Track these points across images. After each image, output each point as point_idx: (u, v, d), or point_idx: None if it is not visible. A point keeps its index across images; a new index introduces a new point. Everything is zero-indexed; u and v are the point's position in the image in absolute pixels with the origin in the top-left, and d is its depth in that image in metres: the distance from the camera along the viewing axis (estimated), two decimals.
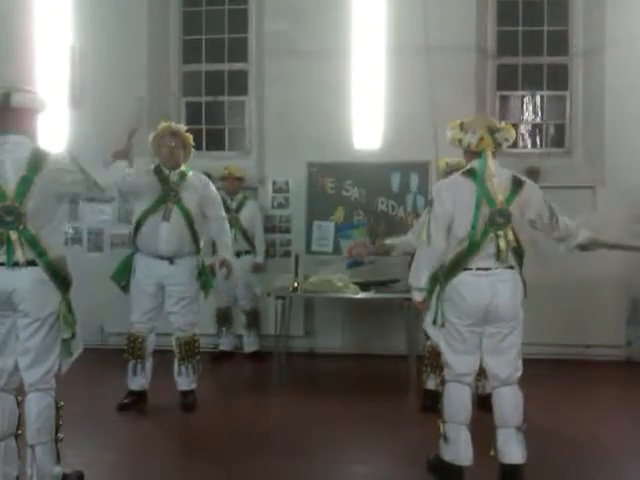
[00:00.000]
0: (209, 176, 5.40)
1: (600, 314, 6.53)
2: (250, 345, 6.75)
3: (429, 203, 3.68)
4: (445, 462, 3.58)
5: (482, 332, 3.54)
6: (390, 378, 5.84)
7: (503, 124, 3.66)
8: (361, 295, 5.72)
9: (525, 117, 7.39)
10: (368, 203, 6.89)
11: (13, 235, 3.17)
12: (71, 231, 7.13)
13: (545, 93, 7.30)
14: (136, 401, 4.95)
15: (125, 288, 4.96)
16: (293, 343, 6.66)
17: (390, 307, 5.91)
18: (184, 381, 4.99)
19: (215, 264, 5.66)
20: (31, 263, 3.21)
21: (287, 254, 7.01)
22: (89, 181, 3.41)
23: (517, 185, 3.57)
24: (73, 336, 3.36)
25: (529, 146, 7.36)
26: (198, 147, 7.37)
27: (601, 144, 6.82)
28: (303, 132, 6.87)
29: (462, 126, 3.59)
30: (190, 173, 4.98)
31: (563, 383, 5.79)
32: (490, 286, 3.47)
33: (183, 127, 5.09)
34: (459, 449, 3.53)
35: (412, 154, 6.68)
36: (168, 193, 4.83)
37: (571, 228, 3.80)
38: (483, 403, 4.05)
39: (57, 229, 3.37)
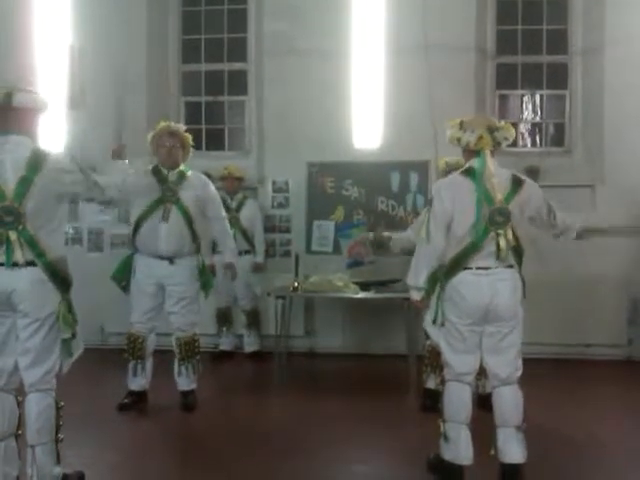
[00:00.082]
0: (209, 176, 5.40)
1: (600, 313, 6.52)
2: (250, 345, 6.75)
3: (428, 202, 3.68)
4: (445, 461, 3.58)
5: (482, 331, 3.55)
6: (390, 378, 5.84)
7: (502, 123, 3.66)
8: (361, 295, 5.71)
9: (524, 116, 7.39)
10: (368, 203, 6.90)
11: (12, 235, 3.17)
12: (71, 231, 7.13)
13: (544, 92, 7.30)
14: (136, 401, 4.95)
15: (125, 288, 4.96)
16: (293, 343, 6.66)
17: (390, 307, 5.91)
18: (184, 381, 4.99)
19: (215, 264, 5.69)
20: (30, 263, 3.21)
21: (287, 254, 7.01)
22: (89, 181, 3.41)
23: (517, 184, 3.57)
24: (73, 336, 3.35)
25: (529, 145, 7.37)
26: (198, 147, 7.37)
27: (600, 143, 6.82)
28: (303, 132, 6.87)
29: (461, 125, 3.60)
30: (189, 173, 4.98)
31: (563, 382, 5.79)
32: (490, 285, 3.48)
33: (182, 127, 5.09)
34: (459, 448, 3.53)
35: (412, 153, 6.69)
36: (166, 193, 4.83)
37: (568, 223, 3.82)
38: (483, 402, 4.05)
39: (57, 229, 3.37)
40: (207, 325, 6.27)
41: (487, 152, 3.54)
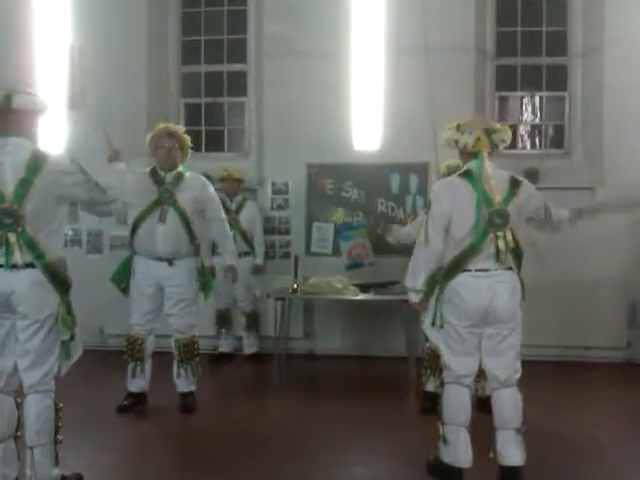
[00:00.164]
0: (208, 177, 5.39)
1: (600, 316, 6.52)
2: (250, 347, 6.75)
3: (427, 204, 3.68)
4: (444, 464, 3.58)
5: (481, 333, 3.55)
6: (390, 380, 5.84)
7: (499, 125, 3.68)
8: (361, 297, 5.72)
9: (524, 118, 7.39)
10: (367, 204, 6.90)
11: (12, 237, 3.17)
12: (71, 233, 7.12)
13: (544, 94, 7.30)
14: (135, 403, 4.94)
15: (125, 290, 4.96)
16: (293, 345, 6.65)
17: (390, 309, 5.91)
18: (183, 383, 4.98)
19: (215, 266, 5.67)
20: (30, 265, 3.21)
21: (287, 255, 7.00)
22: (90, 182, 3.40)
23: (515, 186, 3.58)
24: (72, 338, 3.35)
25: (528, 147, 7.37)
26: (197, 148, 7.39)
27: (600, 144, 6.82)
28: (302, 133, 6.87)
29: (458, 127, 3.61)
30: (187, 174, 4.97)
31: (563, 385, 5.79)
32: (489, 287, 3.48)
33: (181, 128, 5.08)
34: (458, 451, 3.53)
35: (411, 155, 6.69)
36: (163, 195, 4.82)
37: (561, 215, 3.86)
38: (483, 405, 4.05)
39: (57, 231, 3.36)
40: (206, 327, 6.26)
41: (484, 154, 3.55)
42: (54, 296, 3.28)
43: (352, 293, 5.71)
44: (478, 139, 3.55)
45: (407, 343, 5.59)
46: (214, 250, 6.10)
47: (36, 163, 3.22)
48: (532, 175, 6.69)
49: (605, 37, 6.71)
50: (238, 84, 7.63)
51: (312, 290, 5.75)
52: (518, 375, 3.57)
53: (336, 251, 6.83)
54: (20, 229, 3.18)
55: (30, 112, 3.32)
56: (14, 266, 3.17)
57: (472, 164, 3.57)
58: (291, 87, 7.00)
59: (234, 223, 6.29)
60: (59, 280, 3.28)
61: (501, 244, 3.47)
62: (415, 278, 3.62)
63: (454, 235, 3.52)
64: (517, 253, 3.57)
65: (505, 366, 3.53)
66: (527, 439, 3.52)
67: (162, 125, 5.00)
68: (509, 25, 7.24)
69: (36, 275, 3.22)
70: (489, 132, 3.58)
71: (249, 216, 6.68)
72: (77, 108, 7.10)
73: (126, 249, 5.13)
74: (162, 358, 5.07)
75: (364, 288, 5.80)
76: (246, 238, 6.62)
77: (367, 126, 6.93)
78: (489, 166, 3.54)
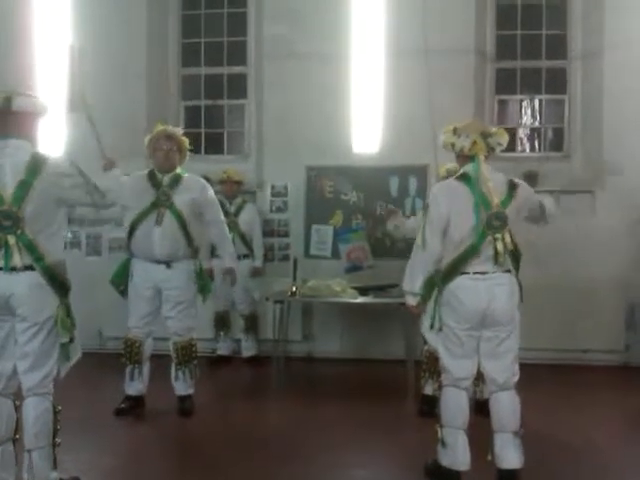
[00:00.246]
0: (208, 180, 5.38)
1: (598, 319, 6.51)
2: (248, 349, 6.74)
3: (425, 207, 3.69)
4: (443, 467, 3.59)
5: (479, 336, 3.56)
6: (388, 383, 5.83)
7: (496, 129, 3.69)
8: (359, 300, 5.72)
9: (523, 121, 7.39)
10: (367, 207, 6.90)
11: (11, 240, 3.17)
12: (70, 235, 7.12)
13: (543, 97, 7.30)
14: (133, 406, 4.93)
15: (124, 293, 4.96)
16: (291, 347, 6.64)
17: (388, 312, 5.91)
18: (181, 386, 4.98)
19: (214, 268, 5.67)
20: (29, 267, 3.21)
21: (285, 258, 6.98)
22: (89, 185, 3.39)
23: (512, 189, 3.60)
24: (71, 341, 3.35)
25: (527, 150, 7.37)
26: (197, 151, 7.41)
27: (600, 148, 6.82)
28: (302, 136, 6.87)
29: (455, 130, 3.62)
30: (186, 175, 4.95)
31: (560, 388, 5.78)
32: (487, 290, 3.49)
33: (179, 130, 5.07)
34: (457, 454, 3.53)
35: (411, 158, 6.69)
36: (160, 197, 4.81)
37: (551, 209, 3.87)
38: (481, 408, 4.05)
39: (57, 233, 3.36)
40: (205, 329, 6.25)
41: (481, 158, 3.56)
42: (53, 299, 3.28)
43: (351, 296, 5.71)
44: (474, 142, 3.56)
45: (406, 346, 5.59)
46: (213, 253, 6.09)
47: (35, 165, 3.22)
48: (531, 178, 6.70)
49: (605, 41, 6.72)
50: (238, 86, 7.63)
51: (311, 293, 5.75)
52: (516, 378, 3.58)
53: (335, 254, 6.82)
54: (19, 231, 3.18)
55: (30, 114, 3.33)
56: (13, 269, 3.17)
57: (469, 167, 3.58)
58: (291, 89, 7.00)
59: (233, 225, 6.28)
60: (58, 283, 3.29)
61: (499, 246, 3.48)
62: (413, 281, 3.63)
63: (452, 238, 3.53)
64: (515, 255, 3.58)
65: (503, 369, 3.54)
66: (525, 442, 3.52)
67: (160, 127, 4.99)
68: (509, 28, 7.24)
69: (35, 278, 3.22)
70: (485, 135, 3.59)
71: (248, 218, 6.67)
72: (77, 110, 7.13)
73: (124, 251, 5.12)
74: (160, 361, 5.06)
75: (363, 291, 5.80)
76: (245, 241, 6.61)
77: (366, 129, 6.93)
78: (486, 169, 3.55)
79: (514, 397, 3.56)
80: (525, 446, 3.52)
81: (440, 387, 3.72)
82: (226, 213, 6.08)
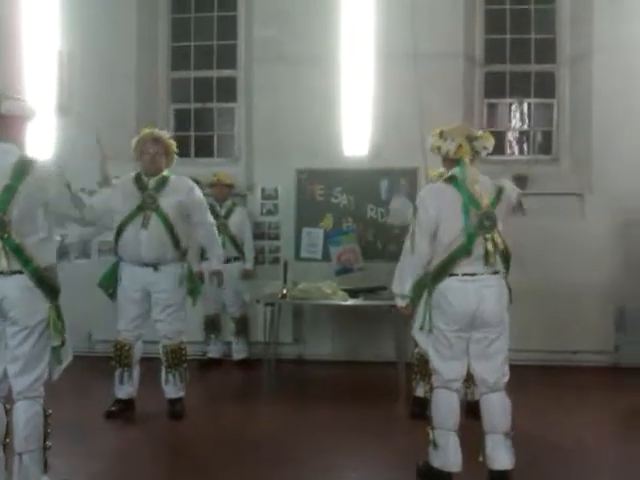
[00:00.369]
0: (198, 183, 5.37)
1: (587, 320, 6.55)
2: (239, 352, 6.73)
3: (413, 211, 3.70)
4: (434, 468, 3.59)
5: (469, 338, 3.57)
6: (379, 385, 5.84)
7: (482, 132, 3.71)
8: (350, 302, 5.72)
9: (512, 124, 7.43)
10: (357, 210, 6.92)
11: None
12: (59, 238, 7.06)
13: (532, 100, 7.34)
14: (124, 409, 4.91)
15: (112, 296, 4.94)
16: (282, 350, 6.62)
17: (379, 314, 5.91)
18: (171, 389, 4.96)
19: (204, 271, 5.65)
20: (19, 271, 3.19)
21: (276, 261, 6.99)
22: (74, 197, 3.38)
23: (499, 191, 3.63)
24: (62, 344, 3.34)
25: (516, 153, 7.40)
26: (186, 154, 7.41)
27: (588, 151, 6.86)
28: (292, 139, 6.87)
29: (441, 134, 3.65)
30: (172, 177, 4.93)
31: (551, 389, 5.80)
32: (476, 292, 3.50)
33: (166, 134, 5.04)
34: (448, 455, 3.54)
35: (401, 161, 6.72)
36: (146, 200, 4.80)
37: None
38: (472, 409, 4.06)
39: (48, 239, 3.33)
40: (195, 332, 6.24)
41: (467, 161, 3.58)
42: (44, 302, 3.26)
43: (341, 298, 5.72)
44: (460, 146, 3.59)
45: (396, 348, 5.60)
46: (203, 255, 6.08)
47: (21, 169, 3.21)
48: (520, 181, 6.73)
49: (594, 44, 6.76)
50: (228, 90, 7.62)
51: (301, 295, 5.75)
52: (506, 379, 3.59)
53: (326, 256, 6.84)
54: (6, 235, 3.16)
55: (18, 118, 3.31)
56: (1, 273, 3.15)
57: (456, 170, 3.61)
58: (281, 93, 7.00)
59: (223, 228, 6.29)
60: (47, 286, 3.27)
61: (490, 246, 3.50)
62: (402, 284, 3.66)
63: (442, 240, 3.55)
64: (505, 256, 3.61)
65: (493, 370, 3.55)
66: (516, 443, 3.53)
67: (147, 130, 4.97)
68: (498, 32, 7.28)
69: (25, 281, 3.20)
70: (471, 139, 3.62)
71: (238, 221, 6.67)
72: (65, 114, 7.13)
73: (113, 255, 5.10)
74: (150, 364, 5.05)
75: (353, 293, 5.81)
76: (235, 243, 6.61)
77: (356, 132, 6.95)
78: (472, 172, 3.57)
79: (504, 398, 3.57)
80: (516, 447, 3.53)
81: (431, 389, 3.73)
82: (216, 216, 6.09)
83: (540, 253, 6.41)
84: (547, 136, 7.33)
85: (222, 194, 6.67)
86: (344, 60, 6.92)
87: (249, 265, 6.72)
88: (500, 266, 3.58)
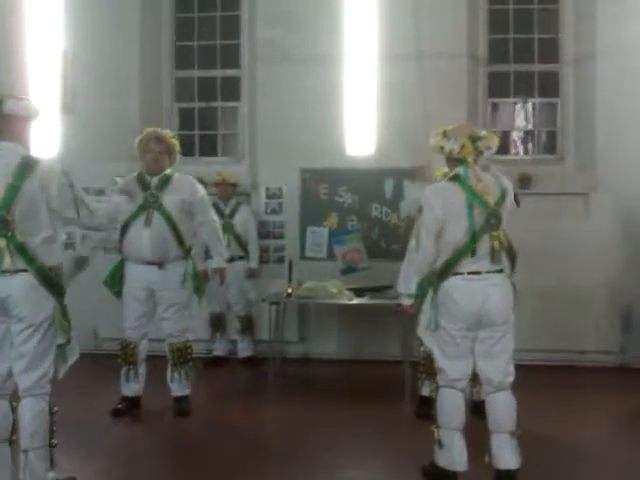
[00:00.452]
0: (202, 182, 5.37)
1: (594, 320, 6.53)
2: (244, 350, 6.73)
3: (418, 210, 3.69)
4: (440, 468, 3.59)
5: (475, 337, 3.56)
6: (385, 384, 5.83)
7: (485, 132, 3.70)
8: (355, 301, 5.73)
9: (516, 124, 7.42)
10: (361, 209, 6.92)
11: (1, 243, 3.16)
12: (64, 236, 7.07)
13: (536, 100, 7.34)
14: (130, 407, 4.92)
15: (119, 294, 4.95)
16: (287, 349, 6.65)
17: (384, 313, 5.90)
18: (177, 387, 4.96)
19: (208, 270, 5.67)
20: (23, 270, 3.19)
21: (281, 260, 6.99)
22: (77, 200, 3.36)
23: (504, 191, 3.63)
24: (68, 342, 3.34)
25: (521, 153, 7.40)
26: (190, 153, 7.43)
27: (593, 151, 6.85)
28: (296, 138, 6.87)
29: (445, 133, 3.64)
30: (176, 176, 4.92)
31: (557, 389, 5.78)
32: (481, 290, 3.50)
33: (169, 133, 5.03)
34: (453, 454, 3.54)
35: (405, 160, 6.71)
36: (149, 199, 4.80)
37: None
38: (478, 409, 4.06)
39: (53, 239, 3.33)
40: (201, 330, 6.25)
41: (470, 161, 3.58)
42: (49, 300, 3.27)
43: (347, 297, 5.72)
44: (463, 146, 3.57)
45: (402, 347, 5.60)
46: (208, 254, 6.08)
47: (25, 169, 3.21)
48: (525, 181, 6.74)
49: (597, 44, 6.75)
50: (231, 89, 7.63)
51: (307, 294, 5.75)
52: (511, 378, 3.58)
53: (330, 255, 6.84)
54: (10, 234, 3.17)
55: (22, 117, 3.32)
56: (6, 271, 3.16)
57: (459, 169, 3.60)
58: (284, 92, 7.00)
59: (228, 227, 6.30)
60: (52, 284, 3.27)
61: (496, 244, 3.50)
62: (407, 283, 3.66)
63: (448, 238, 3.54)
64: (511, 254, 3.61)
65: (498, 369, 3.55)
66: (522, 443, 3.52)
67: (150, 129, 4.96)
68: (501, 32, 7.28)
69: (30, 279, 3.21)
70: (474, 139, 3.60)
71: (243, 220, 6.66)
72: (69, 112, 7.15)
73: (119, 253, 5.10)
74: (156, 362, 5.05)
75: (359, 292, 5.81)
76: (240, 242, 6.61)
77: (361, 131, 6.95)
78: (476, 171, 3.57)
79: (510, 397, 3.56)
80: (522, 447, 3.52)
81: (437, 388, 3.73)
82: (221, 215, 6.10)
83: (545, 253, 6.41)
84: (551, 136, 7.33)
85: (227, 193, 6.67)
86: (348, 60, 6.92)
87: (254, 264, 6.72)
88: (505, 265, 3.58)
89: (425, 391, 4.84)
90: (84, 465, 3.90)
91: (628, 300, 6.59)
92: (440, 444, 3.57)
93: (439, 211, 3.53)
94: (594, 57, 6.79)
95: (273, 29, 7.05)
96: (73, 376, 3.50)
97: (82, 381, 4.85)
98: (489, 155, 3.72)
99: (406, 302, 3.71)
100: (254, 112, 7.31)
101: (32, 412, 3.23)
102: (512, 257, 3.61)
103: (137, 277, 4.85)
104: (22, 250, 3.18)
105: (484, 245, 3.50)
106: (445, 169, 4.80)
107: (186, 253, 4.93)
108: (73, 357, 3.40)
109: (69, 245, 7.08)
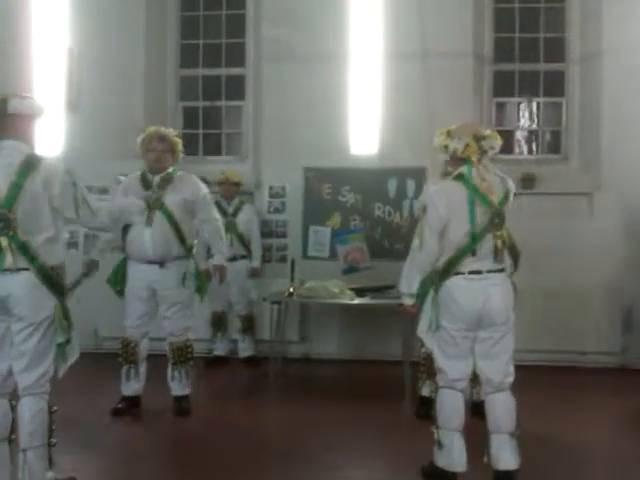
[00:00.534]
0: (205, 181, 5.37)
1: (595, 321, 6.52)
2: (245, 350, 6.73)
3: (422, 210, 3.69)
4: (439, 468, 3.58)
5: (475, 337, 3.55)
6: (385, 384, 5.82)
7: (489, 132, 3.69)
8: (357, 301, 5.73)
9: (521, 123, 7.40)
10: (364, 208, 6.91)
11: (3, 241, 3.15)
12: (67, 235, 7.10)
13: (541, 99, 7.31)
14: (130, 406, 4.93)
15: (121, 292, 4.95)
16: (288, 348, 6.65)
17: (386, 313, 5.90)
18: (178, 386, 4.96)
19: (210, 269, 5.67)
20: (25, 268, 3.20)
21: (283, 259, 6.98)
22: (78, 199, 3.35)
23: (507, 192, 3.62)
24: (68, 341, 3.34)
25: (525, 152, 7.38)
26: (195, 152, 7.44)
27: (598, 150, 6.83)
28: (300, 137, 6.87)
29: (449, 133, 3.63)
30: (178, 174, 4.92)
31: (558, 390, 5.77)
32: (482, 290, 3.49)
33: (171, 131, 5.02)
34: (453, 455, 3.53)
35: (409, 160, 6.70)
36: (151, 198, 4.80)
37: None
38: (477, 409, 4.05)
39: (56, 239, 3.33)
40: (202, 330, 6.25)
41: (474, 160, 3.56)
42: (50, 299, 3.27)
43: (348, 297, 5.72)
44: (467, 145, 3.56)
45: (403, 347, 5.59)
46: (209, 253, 6.08)
47: (28, 167, 3.21)
48: (529, 180, 6.72)
49: (603, 43, 6.73)
50: (236, 88, 7.63)
51: (308, 294, 5.75)
52: (511, 378, 3.57)
53: (333, 255, 6.84)
54: (11, 233, 3.16)
55: (26, 116, 3.31)
56: (8, 270, 3.16)
57: (463, 169, 3.59)
58: (289, 91, 7.00)
59: (231, 226, 6.30)
60: (53, 283, 3.27)
61: (499, 244, 3.49)
62: (409, 283, 3.66)
63: (452, 237, 3.53)
64: (514, 253, 3.60)
65: (498, 369, 3.54)
66: (521, 443, 3.52)
67: (152, 128, 4.96)
68: (507, 31, 7.26)
69: (31, 278, 3.21)
70: (478, 138, 3.59)
71: (246, 219, 6.66)
72: (74, 110, 7.17)
73: (121, 252, 5.10)
74: (157, 361, 5.06)
75: (360, 292, 5.80)
76: (243, 241, 6.60)
77: (364, 130, 6.94)
78: (479, 170, 3.56)
79: (509, 398, 3.55)
80: (522, 447, 3.51)
81: (437, 388, 3.72)
82: (224, 214, 6.10)
83: (548, 253, 6.38)
84: (556, 135, 7.30)
85: (230, 192, 6.67)
86: (352, 59, 6.92)
87: (256, 263, 6.71)
88: (507, 264, 3.57)
89: (425, 391, 4.83)
90: (84, 465, 3.91)
91: (630, 300, 6.57)
92: (440, 445, 3.57)
93: (443, 210, 3.53)
94: (600, 56, 6.77)
95: (278, 27, 7.05)
96: (73, 375, 3.50)
97: (82, 380, 4.86)
98: (492, 154, 3.72)
99: (408, 301, 3.71)
100: (259, 111, 7.31)
101: (31, 411, 3.23)
102: (515, 256, 3.61)
103: (139, 276, 4.85)
104: (24, 249, 3.18)
105: (487, 244, 3.50)
106: (450, 168, 4.82)
107: (188, 252, 4.92)
108: (73, 356, 3.40)
109: (72, 244, 7.12)
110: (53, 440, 3.29)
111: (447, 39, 6.79)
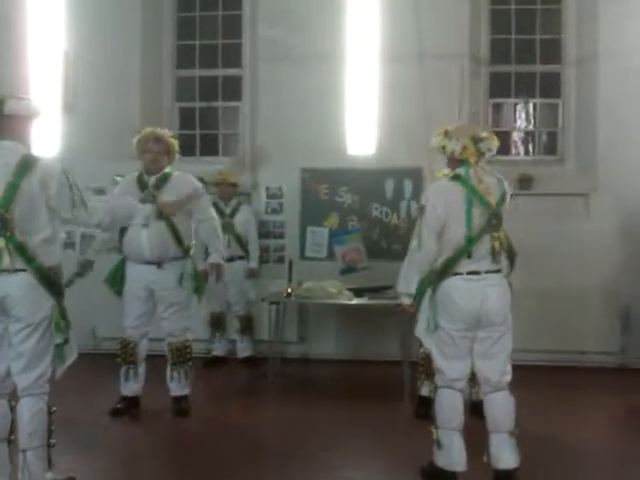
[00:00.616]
0: (202, 181, 5.36)
1: (594, 321, 6.53)
2: (243, 350, 6.73)
3: (420, 209, 3.69)
4: (439, 468, 3.59)
5: (474, 337, 3.56)
6: (384, 384, 5.83)
7: (487, 134, 3.69)
8: (355, 301, 5.73)
9: (518, 125, 7.41)
10: (362, 209, 6.91)
11: (1, 242, 3.15)
12: (64, 235, 7.07)
13: (538, 101, 7.33)
14: (129, 406, 4.92)
15: (119, 293, 4.95)
16: (287, 349, 6.64)
17: (384, 313, 5.90)
18: (176, 386, 4.96)
19: (207, 268, 5.67)
20: (23, 269, 3.19)
21: (281, 260, 6.98)
22: (74, 199, 3.33)
23: (504, 193, 3.63)
24: (66, 342, 3.33)
25: (522, 154, 7.39)
26: (191, 153, 7.43)
27: (594, 152, 6.84)
28: (297, 138, 6.87)
29: (447, 134, 3.63)
30: (175, 174, 4.91)
31: (557, 389, 5.78)
32: (480, 290, 3.50)
33: (167, 132, 5.02)
34: (452, 455, 3.54)
35: (406, 160, 6.72)
36: (147, 199, 4.79)
37: None
38: (476, 409, 4.05)
39: (52, 240, 3.32)
40: (200, 330, 6.24)
41: (472, 162, 3.57)
42: (47, 300, 3.26)
43: (346, 297, 5.72)
44: (465, 147, 3.57)
45: (401, 347, 5.59)
46: (207, 253, 6.07)
47: (24, 167, 3.20)
48: (525, 182, 6.74)
49: (599, 45, 6.74)
50: (233, 88, 7.63)
51: (306, 294, 5.75)
52: (509, 377, 3.58)
53: (330, 255, 6.84)
54: (8, 234, 3.16)
55: (23, 117, 3.31)
56: (5, 270, 3.15)
57: (461, 170, 3.60)
58: (286, 92, 7.00)
59: (229, 227, 6.29)
60: (50, 283, 3.26)
61: (497, 244, 3.50)
62: (408, 283, 3.66)
63: (450, 238, 3.54)
64: (511, 253, 3.62)
65: (496, 369, 3.55)
66: (521, 443, 3.53)
67: (148, 129, 4.95)
68: (503, 32, 7.26)
69: (29, 279, 3.20)
70: (476, 140, 3.60)
71: (244, 220, 6.66)
72: (70, 112, 7.16)
73: (118, 252, 5.09)
74: (156, 361, 5.05)
75: (358, 292, 5.81)
76: (241, 242, 6.61)
77: (361, 131, 6.94)
78: (477, 172, 3.57)
79: (508, 397, 3.56)
80: (521, 446, 3.52)
81: (435, 388, 3.73)
82: (222, 214, 6.09)
83: (545, 254, 6.40)
84: (552, 136, 7.32)
85: (227, 193, 6.67)
86: (349, 59, 6.92)
87: (254, 264, 6.71)
88: (504, 264, 3.58)
89: (424, 391, 4.84)
90: (83, 465, 3.90)
91: (628, 301, 6.58)
92: (439, 444, 3.57)
93: (441, 210, 3.53)
94: (596, 58, 6.78)
95: (275, 28, 7.05)
96: (72, 376, 3.49)
97: (81, 381, 4.86)
98: (490, 157, 3.73)
99: (406, 301, 3.72)
100: (255, 111, 7.31)
101: (30, 412, 3.22)
102: (511, 257, 3.63)
103: (137, 277, 4.85)
104: (21, 249, 3.18)
105: (485, 245, 3.51)
106: (446, 170, 4.82)
107: (185, 253, 4.91)
108: (71, 357, 3.39)
109: (69, 245, 7.09)
110: (52, 441, 3.29)
111: (443, 40, 6.80)
